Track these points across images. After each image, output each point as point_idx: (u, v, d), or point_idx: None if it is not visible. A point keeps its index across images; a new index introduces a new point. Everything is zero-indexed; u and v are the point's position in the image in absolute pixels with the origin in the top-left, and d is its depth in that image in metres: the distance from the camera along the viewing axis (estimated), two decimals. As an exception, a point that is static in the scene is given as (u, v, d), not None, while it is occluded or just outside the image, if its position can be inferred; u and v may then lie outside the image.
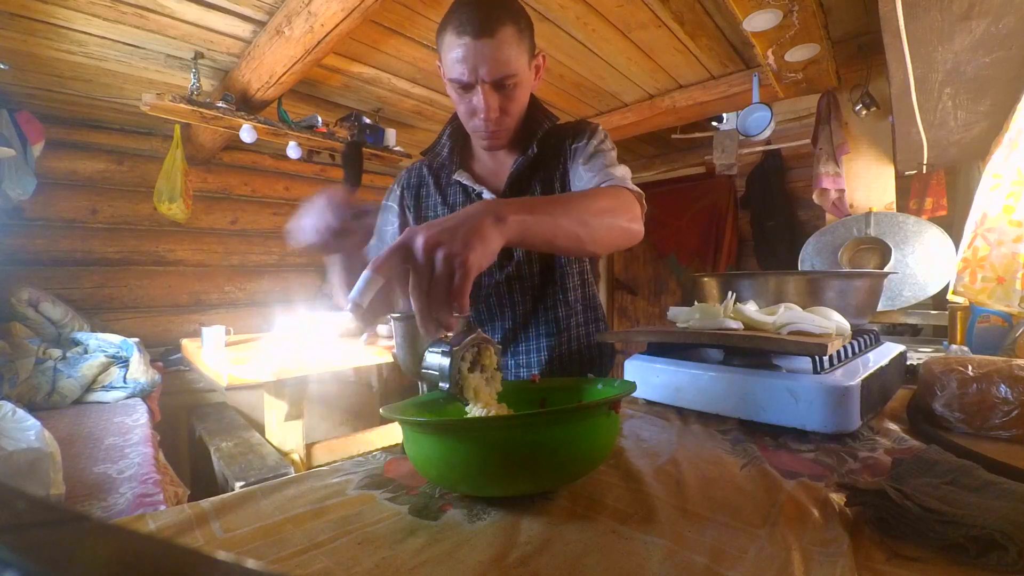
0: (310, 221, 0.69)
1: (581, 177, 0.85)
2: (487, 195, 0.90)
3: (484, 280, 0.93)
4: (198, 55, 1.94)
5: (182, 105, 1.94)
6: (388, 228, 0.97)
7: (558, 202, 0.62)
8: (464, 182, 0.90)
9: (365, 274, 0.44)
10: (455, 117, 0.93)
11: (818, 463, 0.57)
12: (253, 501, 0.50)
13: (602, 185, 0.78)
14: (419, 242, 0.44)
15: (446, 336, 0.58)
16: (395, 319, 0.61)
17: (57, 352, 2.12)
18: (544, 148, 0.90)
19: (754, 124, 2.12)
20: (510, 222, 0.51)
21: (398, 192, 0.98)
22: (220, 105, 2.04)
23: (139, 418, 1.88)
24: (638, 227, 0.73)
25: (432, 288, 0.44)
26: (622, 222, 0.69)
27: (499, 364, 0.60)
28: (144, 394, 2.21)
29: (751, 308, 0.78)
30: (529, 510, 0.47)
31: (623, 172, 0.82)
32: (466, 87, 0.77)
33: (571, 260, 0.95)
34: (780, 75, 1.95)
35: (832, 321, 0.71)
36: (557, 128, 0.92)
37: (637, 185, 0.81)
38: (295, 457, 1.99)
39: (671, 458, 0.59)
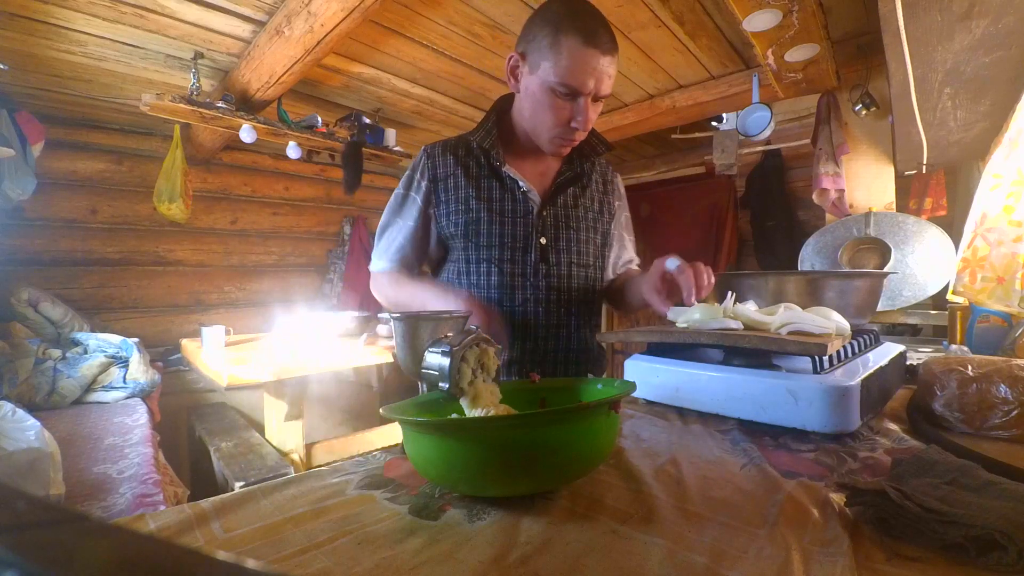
0: None
1: (625, 248, 1.05)
2: (534, 195, 0.91)
3: (520, 281, 0.91)
4: (198, 55, 1.94)
5: (182, 105, 1.94)
6: (410, 223, 0.92)
7: None
8: (512, 176, 0.90)
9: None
10: (499, 110, 0.94)
11: (818, 463, 0.57)
12: (253, 501, 0.50)
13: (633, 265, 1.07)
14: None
15: (446, 336, 0.58)
16: (395, 319, 0.61)
17: (57, 352, 2.12)
18: (588, 169, 0.97)
19: (754, 124, 2.12)
20: None
21: (424, 185, 0.91)
22: (220, 105, 2.04)
23: (139, 418, 1.88)
24: None
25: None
26: None
27: (499, 364, 0.60)
28: (144, 394, 2.21)
29: (751, 308, 0.78)
30: (529, 510, 0.47)
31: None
32: (572, 95, 0.78)
33: (586, 273, 0.97)
34: (780, 75, 1.95)
35: (832, 321, 0.71)
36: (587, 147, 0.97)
37: (637, 185, 0.87)
38: (295, 457, 1.99)
39: (671, 458, 0.59)
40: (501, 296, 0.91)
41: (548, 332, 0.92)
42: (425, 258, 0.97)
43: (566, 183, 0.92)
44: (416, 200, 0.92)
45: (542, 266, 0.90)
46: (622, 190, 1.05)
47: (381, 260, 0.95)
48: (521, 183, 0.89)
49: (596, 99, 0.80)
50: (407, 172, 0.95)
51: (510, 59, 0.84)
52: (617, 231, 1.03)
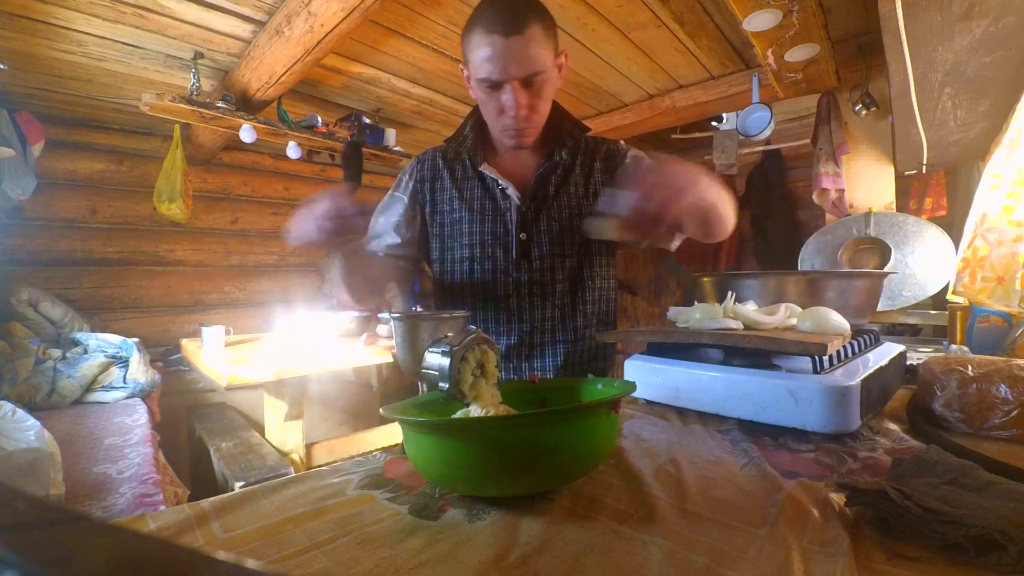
0: (311, 217, 0.71)
1: None
2: (511, 192, 0.90)
3: (501, 277, 0.92)
4: (198, 55, 1.94)
5: (182, 105, 1.94)
6: (393, 219, 0.96)
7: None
8: (489, 175, 0.90)
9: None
10: (477, 111, 0.93)
11: (818, 463, 0.57)
12: (253, 501, 0.50)
13: None
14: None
15: (446, 336, 0.58)
16: (395, 319, 0.61)
17: (57, 352, 2.12)
18: (572, 159, 0.93)
19: (754, 124, 2.12)
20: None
21: (411, 185, 0.97)
22: (220, 105, 2.04)
23: (139, 418, 1.88)
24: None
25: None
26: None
27: (499, 364, 0.60)
28: (144, 394, 2.21)
29: (751, 308, 0.78)
30: (529, 510, 0.47)
31: None
32: (495, 85, 0.77)
33: (595, 275, 0.95)
34: (780, 75, 1.95)
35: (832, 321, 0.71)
36: (589, 141, 0.95)
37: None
38: (295, 457, 1.99)
39: (671, 458, 0.59)
40: (484, 291, 0.93)
41: (533, 327, 0.93)
42: (403, 251, 0.98)
43: (546, 175, 0.91)
44: (402, 199, 0.97)
45: (523, 262, 0.91)
46: (626, 151, 0.96)
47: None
48: (500, 181, 0.90)
49: (526, 83, 0.77)
50: (398, 176, 1.00)
51: (462, 70, 0.86)
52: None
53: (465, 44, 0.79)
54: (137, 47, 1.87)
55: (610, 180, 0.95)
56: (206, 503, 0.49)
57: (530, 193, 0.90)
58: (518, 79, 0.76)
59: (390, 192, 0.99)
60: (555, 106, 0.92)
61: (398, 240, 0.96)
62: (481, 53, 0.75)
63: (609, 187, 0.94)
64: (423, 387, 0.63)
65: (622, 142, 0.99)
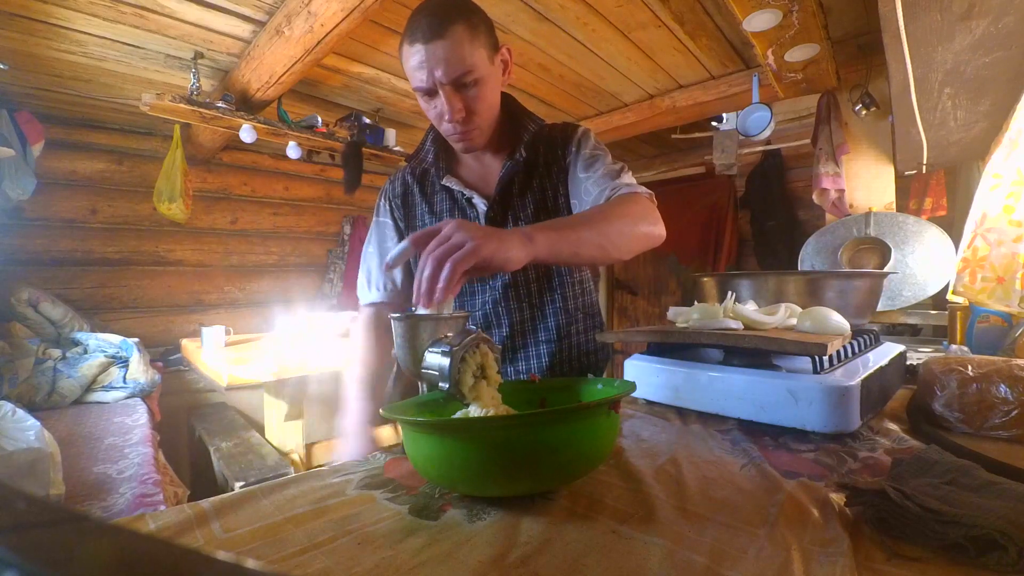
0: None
1: (588, 191, 0.85)
2: (477, 200, 0.89)
3: (478, 286, 0.92)
4: (198, 55, 1.94)
5: (182, 105, 1.94)
6: (389, 244, 0.95)
7: (580, 220, 0.70)
8: (453, 187, 0.89)
9: (402, 243, 0.56)
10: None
11: (818, 463, 0.57)
12: (253, 501, 0.50)
13: (615, 195, 0.80)
14: (452, 225, 0.54)
15: (446, 336, 0.58)
16: (395, 319, 0.61)
17: (57, 352, 2.12)
18: (534, 153, 0.90)
19: (754, 124, 2.12)
20: (538, 240, 0.60)
21: (386, 206, 0.97)
22: (220, 105, 2.04)
23: (139, 418, 1.88)
24: (659, 230, 0.78)
25: (439, 254, 0.52)
26: (643, 227, 0.75)
27: (499, 364, 0.60)
28: (144, 394, 2.21)
29: (751, 308, 0.78)
30: (529, 510, 0.47)
31: (629, 178, 0.84)
32: (429, 92, 0.77)
33: (571, 269, 0.94)
34: (780, 75, 1.95)
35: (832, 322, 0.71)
36: (544, 131, 0.91)
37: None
38: (295, 457, 1.99)
39: (671, 458, 0.59)
40: (463, 303, 0.93)
41: (513, 330, 0.92)
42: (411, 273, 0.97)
43: (508, 176, 0.89)
44: (387, 222, 0.96)
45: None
46: (571, 136, 0.90)
47: (370, 290, 0.95)
48: (465, 192, 0.89)
49: (457, 85, 0.76)
50: (376, 204, 1.00)
51: None
52: (576, 183, 0.88)
53: (400, 60, 0.78)
54: (137, 47, 1.87)
55: (554, 170, 0.91)
56: (206, 503, 0.49)
57: (495, 198, 0.89)
58: (448, 83, 0.75)
59: (374, 220, 0.98)
60: (511, 103, 0.90)
61: (398, 278, 0.94)
62: (410, 63, 0.75)
63: (556, 175, 0.91)
64: (423, 387, 0.63)
65: (579, 125, 0.95)
